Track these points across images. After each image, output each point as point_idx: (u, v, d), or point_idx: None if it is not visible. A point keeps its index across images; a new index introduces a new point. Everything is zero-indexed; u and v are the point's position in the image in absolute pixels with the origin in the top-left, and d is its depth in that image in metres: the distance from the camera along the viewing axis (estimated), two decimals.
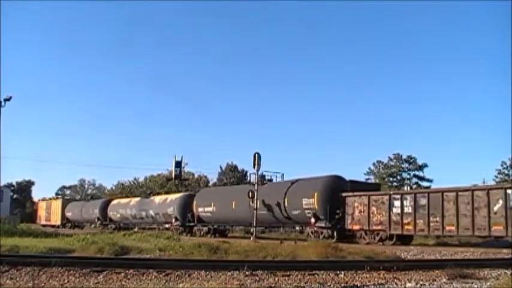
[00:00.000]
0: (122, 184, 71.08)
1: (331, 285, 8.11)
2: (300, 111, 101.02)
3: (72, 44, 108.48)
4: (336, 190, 23.60)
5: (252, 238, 24.01)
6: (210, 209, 31.60)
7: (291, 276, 8.80)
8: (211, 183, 57.70)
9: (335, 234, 22.91)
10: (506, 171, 42.39)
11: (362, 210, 22.12)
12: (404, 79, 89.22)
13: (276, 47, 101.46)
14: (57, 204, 57.76)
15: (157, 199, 39.81)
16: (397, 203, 20.69)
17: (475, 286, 8.24)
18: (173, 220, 34.72)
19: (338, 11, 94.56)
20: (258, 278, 8.53)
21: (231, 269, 9.08)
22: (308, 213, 24.14)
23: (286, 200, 25.84)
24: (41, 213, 61.97)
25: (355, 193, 22.79)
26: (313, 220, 23.69)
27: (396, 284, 8.41)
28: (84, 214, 50.17)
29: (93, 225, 47.60)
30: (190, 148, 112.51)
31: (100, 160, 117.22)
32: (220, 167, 56.34)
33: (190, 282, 8.18)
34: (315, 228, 23.86)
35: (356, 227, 22.30)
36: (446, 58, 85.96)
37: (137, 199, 43.88)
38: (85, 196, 77.08)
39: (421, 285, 8.32)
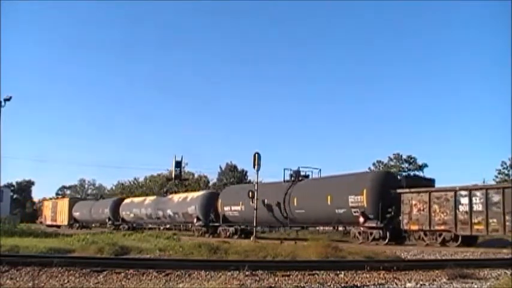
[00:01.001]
0: (122, 184, 71.10)
1: (331, 285, 8.11)
2: (300, 111, 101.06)
3: (73, 44, 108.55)
4: (386, 186, 21.52)
5: (252, 238, 24.00)
6: (237, 208, 29.10)
7: (291, 276, 8.79)
8: (211, 183, 57.74)
9: (387, 235, 20.88)
10: (506, 171, 42.38)
11: (421, 208, 19.90)
12: (404, 79, 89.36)
13: (276, 46, 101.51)
14: (63, 204, 55.71)
15: (176, 197, 37.04)
16: (464, 200, 18.66)
17: (475, 286, 8.24)
18: (194, 220, 32.20)
19: (340, 10, 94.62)
20: (258, 278, 8.53)
21: (231, 269, 9.08)
22: (355, 212, 21.92)
23: (328, 197, 23.45)
24: (46, 213, 59.80)
25: (413, 189, 20.51)
26: (361, 219, 21.45)
27: (396, 284, 8.41)
28: (93, 214, 47.91)
29: (103, 226, 45.29)
30: (190, 148, 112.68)
31: (100, 160, 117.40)
32: (220, 167, 56.37)
33: (190, 282, 8.18)
34: (363, 229, 21.77)
35: (414, 227, 20.11)
36: (447, 58, 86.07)
37: (153, 198, 41.03)
38: (85, 196, 77.01)
39: (421, 285, 8.32)
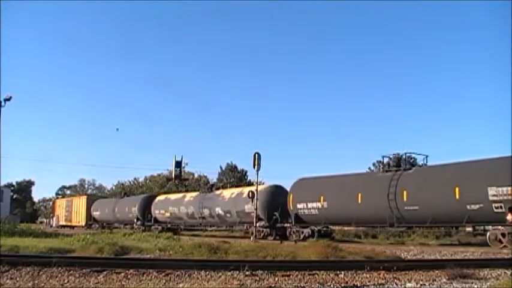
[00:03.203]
0: (122, 184, 71.19)
1: (331, 285, 8.11)
2: (300, 111, 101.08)
3: (73, 45, 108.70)
4: None
5: (252, 238, 23.98)
6: (316, 204, 24.58)
7: (291, 276, 8.78)
8: (211, 183, 57.79)
9: None
10: None
11: None
12: (404, 79, 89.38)
13: (277, 47, 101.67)
14: (80, 202, 50.64)
15: (228, 193, 31.62)
16: None
17: (475, 286, 8.23)
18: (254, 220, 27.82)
19: (339, 11, 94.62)
20: (258, 278, 8.52)
21: (231, 269, 9.07)
22: (497, 207, 17.86)
23: (456, 190, 19.19)
24: (59, 212, 55.18)
25: None
26: (510, 217, 17.51)
27: (396, 284, 8.40)
28: (117, 213, 43.17)
29: (128, 226, 40.24)
30: (190, 148, 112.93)
31: (100, 160, 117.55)
32: (220, 167, 56.47)
33: (190, 282, 8.17)
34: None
35: None
36: (447, 58, 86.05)
37: (195, 194, 35.62)
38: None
39: (421, 285, 8.31)
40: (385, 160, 24.02)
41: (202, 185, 43.09)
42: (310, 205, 24.92)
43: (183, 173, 45.48)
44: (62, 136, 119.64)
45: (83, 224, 47.64)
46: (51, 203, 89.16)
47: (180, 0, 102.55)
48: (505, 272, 9.60)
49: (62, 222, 52.23)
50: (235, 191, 31.31)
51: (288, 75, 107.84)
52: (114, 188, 73.54)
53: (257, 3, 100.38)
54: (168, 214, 36.43)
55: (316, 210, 24.62)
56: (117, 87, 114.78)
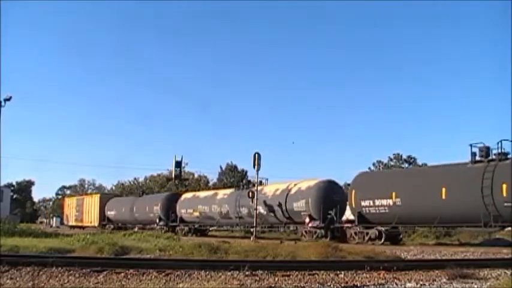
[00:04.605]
0: (122, 184, 71.25)
1: (331, 285, 8.10)
2: (300, 111, 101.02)
3: (73, 45, 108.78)
4: None
5: (252, 238, 23.97)
6: (386, 201, 21.39)
7: (291, 276, 8.78)
8: (211, 183, 57.78)
9: None
10: None
11: None
12: (404, 80, 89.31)
13: (278, 49, 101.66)
14: (93, 201, 47.40)
15: (271, 190, 28.36)
16: None
17: (475, 286, 8.23)
18: (306, 220, 24.58)
19: (339, 14, 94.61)
20: (258, 278, 8.52)
21: (231, 269, 9.06)
22: None
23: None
24: (69, 212, 52.05)
25: None
26: None
27: (396, 284, 8.40)
28: (136, 213, 40.04)
29: (146, 227, 37.84)
30: (190, 148, 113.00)
31: (100, 160, 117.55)
32: (220, 167, 56.46)
33: (190, 282, 8.17)
34: None
35: None
36: (447, 59, 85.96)
37: (229, 191, 32.37)
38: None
39: (421, 285, 8.31)
40: (473, 150, 19.92)
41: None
42: (378, 202, 21.64)
43: (183, 173, 45.42)
44: (61, 136, 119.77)
45: (96, 224, 44.64)
46: (51, 203, 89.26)
47: (181, 0, 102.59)
48: (505, 272, 9.60)
49: (72, 223, 49.51)
50: (280, 187, 28.02)
51: (288, 75, 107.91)
52: (114, 188, 73.60)
53: (257, 7, 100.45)
54: (196, 214, 33.19)
55: (386, 208, 21.31)
56: (117, 87, 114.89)
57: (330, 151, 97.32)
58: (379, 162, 50.75)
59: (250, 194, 25.68)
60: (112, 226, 42.45)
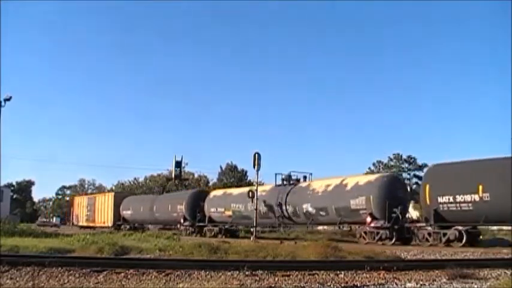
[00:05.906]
0: (122, 184, 71.31)
1: (331, 285, 8.10)
2: (300, 111, 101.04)
3: (74, 45, 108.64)
4: None
5: (252, 238, 23.96)
6: (471, 197, 18.48)
7: (291, 276, 8.78)
8: (211, 183, 57.82)
9: None
10: None
11: None
12: (403, 80, 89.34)
13: (278, 49, 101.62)
14: (106, 200, 44.60)
15: (321, 186, 24.94)
16: None
17: (475, 286, 8.23)
18: (368, 219, 21.52)
19: (340, 16, 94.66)
20: (258, 278, 8.52)
21: (231, 269, 9.06)
22: None
23: None
24: (79, 211, 49.37)
25: None
26: None
27: (396, 284, 8.40)
28: (156, 212, 36.72)
29: (168, 227, 35.39)
30: (190, 148, 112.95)
31: (100, 160, 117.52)
32: (221, 167, 56.52)
33: (190, 282, 8.17)
34: None
35: None
36: (447, 59, 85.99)
37: (268, 187, 28.37)
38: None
39: (421, 285, 8.31)
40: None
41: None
42: (459, 198, 18.76)
43: (183, 173, 45.46)
44: (62, 136, 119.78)
45: (110, 224, 41.62)
46: (50, 203, 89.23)
47: (181, 0, 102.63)
48: (505, 272, 9.60)
49: (82, 223, 47.00)
50: (333, 182, 24.52)
51: (288, 75, 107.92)
52: (114, 188, 73.63)
53: (258, 8, 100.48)
54: (229, 213, 29.83)
55: (470, 204, 18.49)
56: (117, 87, 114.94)
57: (330, 151, 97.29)
58: (379, 162, 50.81)
59: (250, 193, 25.47)
60: (128, 226, 39.73)
